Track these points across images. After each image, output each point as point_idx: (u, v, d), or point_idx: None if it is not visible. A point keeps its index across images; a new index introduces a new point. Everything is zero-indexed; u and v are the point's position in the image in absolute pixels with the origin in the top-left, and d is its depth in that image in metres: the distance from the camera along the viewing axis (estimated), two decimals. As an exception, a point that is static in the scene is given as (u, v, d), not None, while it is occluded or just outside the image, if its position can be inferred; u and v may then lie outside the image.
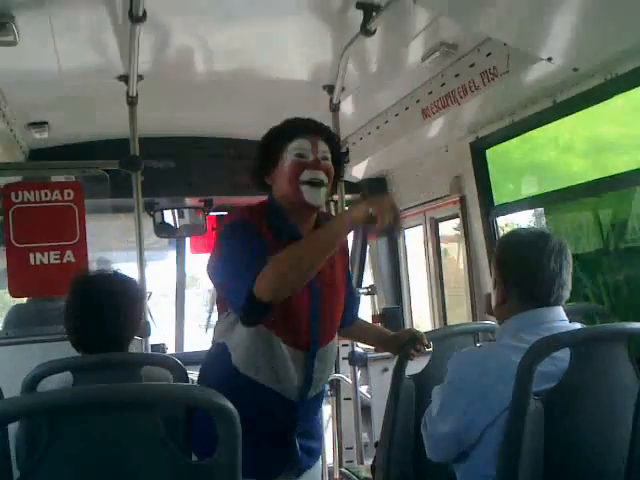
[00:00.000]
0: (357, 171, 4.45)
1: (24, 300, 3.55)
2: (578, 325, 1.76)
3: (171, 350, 4.43)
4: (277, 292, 1.70)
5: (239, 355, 1.88)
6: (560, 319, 1.74)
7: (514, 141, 3.23)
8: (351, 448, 3.59)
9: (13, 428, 1.76)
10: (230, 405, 1.30)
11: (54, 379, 1.90)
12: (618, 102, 2.49)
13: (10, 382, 1.78)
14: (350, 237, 4.72)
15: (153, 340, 3.12)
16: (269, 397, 1.89)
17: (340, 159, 1.98)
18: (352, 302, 2.19)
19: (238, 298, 1.74)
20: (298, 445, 1.95)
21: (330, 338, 2.00)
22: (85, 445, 1.31)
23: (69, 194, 3.09)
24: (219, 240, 1.89)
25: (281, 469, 1.95)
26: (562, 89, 2.63)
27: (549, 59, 2.35)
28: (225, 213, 4.57)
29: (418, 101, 3.28)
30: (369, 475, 2.51)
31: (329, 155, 1.91)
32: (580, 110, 2.68)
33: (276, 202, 1.93)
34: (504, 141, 3.24)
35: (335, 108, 3.30)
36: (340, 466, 3.52)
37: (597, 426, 1.62)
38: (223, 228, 1.91)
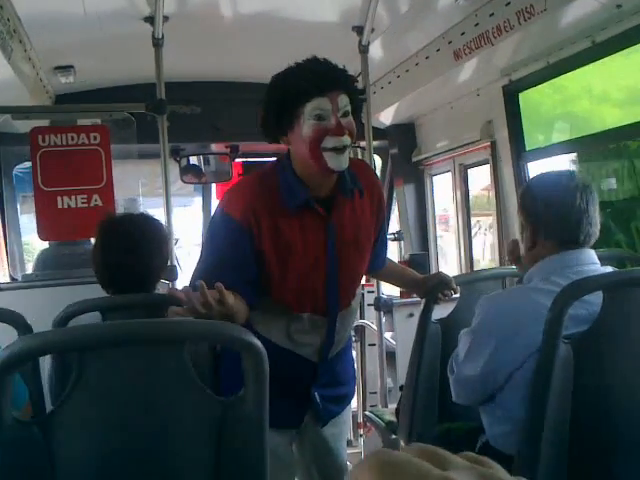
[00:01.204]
0: (385, 117, 4.35)
1: (46, 244, 3.58)
2: (610, 269, 1.73)
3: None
4: None
5: (254, 314, 1.78)
6: (591, 262, 1.70)
7: (545, 91, 3.12)
8: (375, 393, 3.62)
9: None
10: (257, 342, 1.30)
11: (83, 319, 1.93)
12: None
13: (39, 322, 1.79)
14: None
15: (180, 285, 3.14)
16: (285, 355, 1.82)
17: (358, 104, 1.76)
18: (383, 248, 2.08)
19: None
20: (319, 397, 1.90)
21: (352, 298, 1.92)
22: (113, 381, 1.32)
23: (95, 137, 3.08)
24: (209, 224, 1.85)
25: (300, 420, 1.93)
26: (602, 28, 2.52)
27: None
28: (251, 160, 4.54)
29: (450, 42, 3.18)
30: (393, 418, 2.52)
31: (349, 107, 1.69)
32: (619, 51, 2.57)
33: (292, 165, 1.77)
34: (538, 84, 3.13)
35: (364, 50, 3.20)
36: (364, 410, 3.55)
37: (628, 371, 1.59)
38: (217, 210, 1.82)
